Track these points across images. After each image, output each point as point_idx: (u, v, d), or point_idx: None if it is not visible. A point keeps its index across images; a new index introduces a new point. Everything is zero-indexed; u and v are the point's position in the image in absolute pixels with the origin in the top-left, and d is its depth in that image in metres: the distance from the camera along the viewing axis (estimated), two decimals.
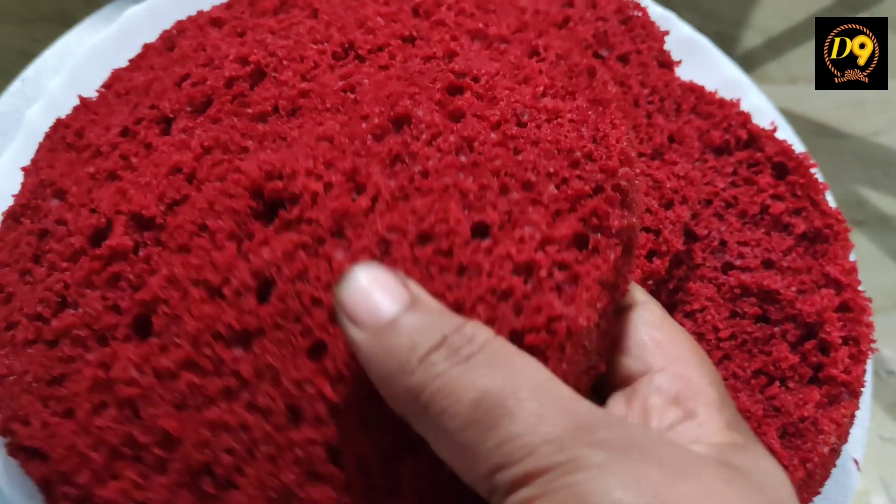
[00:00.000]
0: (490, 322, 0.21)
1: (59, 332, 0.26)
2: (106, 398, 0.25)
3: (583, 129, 0.23)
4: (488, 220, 0.22)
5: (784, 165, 0.37)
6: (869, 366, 0.34)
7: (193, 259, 0.25)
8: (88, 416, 0.25)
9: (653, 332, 0.25)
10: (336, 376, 0.22)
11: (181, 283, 0.24)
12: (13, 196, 0.32)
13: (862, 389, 0.32)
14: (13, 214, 0.31)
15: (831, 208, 0.35)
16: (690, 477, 0.18)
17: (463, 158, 0.23)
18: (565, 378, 0.21)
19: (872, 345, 0.33)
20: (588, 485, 0.17)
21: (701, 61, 0.43)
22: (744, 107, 0.39)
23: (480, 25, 0.27)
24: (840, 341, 0.32)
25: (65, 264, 0.27)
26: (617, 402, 0.24)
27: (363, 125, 0.25)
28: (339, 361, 0.22)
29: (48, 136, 0.34)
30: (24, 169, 0.33)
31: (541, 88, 0.24)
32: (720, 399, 0.23)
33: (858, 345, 0.32)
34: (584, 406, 0.19)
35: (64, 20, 0.63)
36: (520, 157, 0.23)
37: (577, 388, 0.22)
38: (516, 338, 0.21)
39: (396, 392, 0.20)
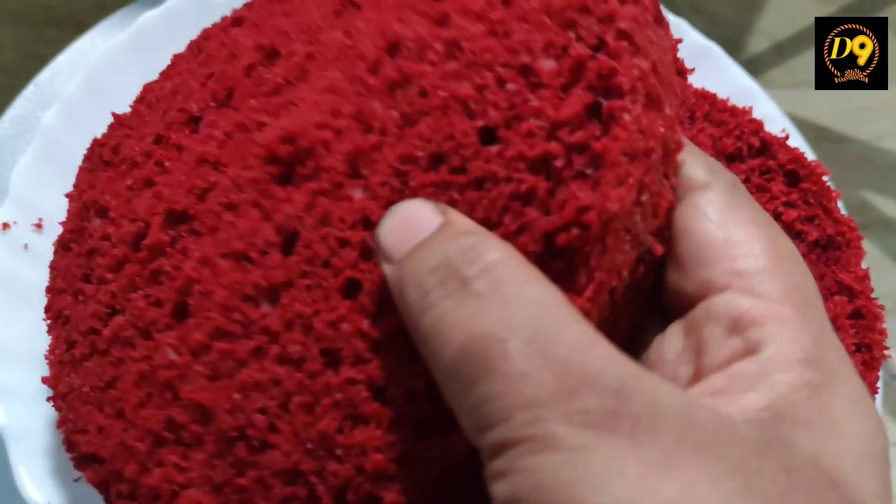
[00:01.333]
0: (521, 232, 0.19)
1: (110, 339, 0.26)
2: (151, 389, 0.25)
3: None
4: (492, 123, 0.20)
5: (796, 173, 0.37)
6: None
7: (222, 235, 0.25)
8: (135, 410, 0.25)
9: (711, 232, 0.19)
10: (374, 311, 0.21)
11: (211, 261, 0.24)
12: (60, 224, 0.32)
13: (875, 396, 0.32)
14: (63, 243, 0.32)
15: (843, 216, 0.36)
16: (686, 469, 0.15)
17: (454, 64, 0.21)
18: (617, 270, 0.19)
19: (885, 351, 0.33)
20: (550, 472, 0.15)
21: (712, 69, 0.43)
22: (755, 115, 0.40)
23: None
24: (853, 348, 0.33)
25: (111, 276, 0.28)
26: (673, 336, 0.20)
27: (360, 64, 0.24)
28: (376, 297, 0.21)
29: (86, 158, 0.34)
30: (67, 195, 0.34)
31: None
32: (799, 318, 0.18)
33: (871, 351, 0.33)
34: (588, 358, 0.16)
35: (75, 24, 0.64)
36: (509, 41, 0.21)
37: (632, 279, 0.20)
38: (550, 242, 0.19)
39: (409, 329, 0.18)
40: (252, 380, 0.23)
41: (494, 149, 0.20)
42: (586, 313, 0.19)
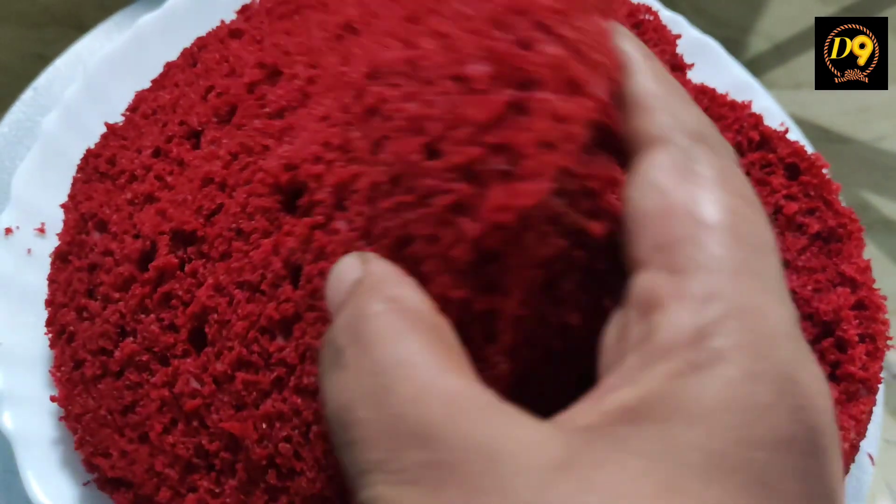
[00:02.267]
0: (457, 244, 0.19)
1: (123, 361, 0.27)
2: (175, 415, 0.26)
3: None
4: (433, 137, 0.20)
5: (796, 166, 0.37)
6: None
7: (234, 263, 0.25)
8: (160, 436, 0.26)
9: (650, 200, 0.17)
10: None
11: (227, 289, 0.25)
12: (57, 235, 0.32)
13: (879, 386, 0.33)
14: (60, 255, 0.32)
15: (844, 208, 0.36)
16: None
17: (412, 85, 0.21)
18: (546, 264, 0.18)
19: (889, 342, 0.33)
20: None
21: (710, 64, 0.43)
22: (754, 109, 0.40)
23: None
24: (857, 339, 0.33)
25: (117, 294, 0.28)
26: (611, 329, 0.18)
27: (350, 92, 0.24)
28: None
29: (80, 169, 0.34)
30: (63, 206, 0.34)
31: None
32: (706, 292, 0.15)
33: (875, 342, 0.33)
34: (420, 409, 0.15)
35: (76, 24, 0.64)
36: (453, 53, 0.20)
37: (572, 267, 0.19)
38: (479, 249, 0.18)
39: None
40: (275, 410, 0.24)
41: (436, 163, 0.20)
42: (519, 317, 0.18)
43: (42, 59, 0.45)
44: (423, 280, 0.19)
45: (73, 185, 0.34)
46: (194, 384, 0.25)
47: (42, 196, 0.36)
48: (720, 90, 0.40)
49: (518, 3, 0.19)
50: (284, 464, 0.24)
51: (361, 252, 0.20)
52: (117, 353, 0.27)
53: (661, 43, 0.39)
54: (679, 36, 0.41)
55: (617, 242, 0.18)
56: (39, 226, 0.36)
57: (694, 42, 0.44)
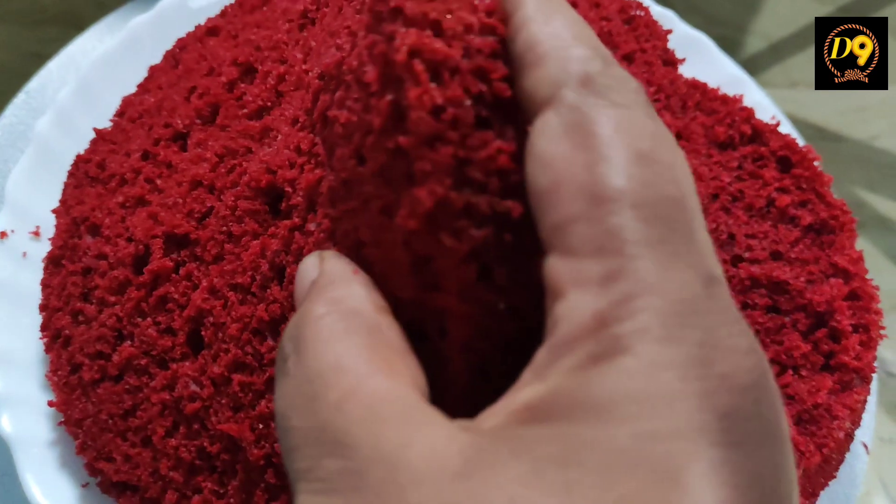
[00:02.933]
0: (391, 246, 0.18)
1: (121, 365, 0.27)
2: (176, 418, 0.26)
3: None
4: (357, 144, 0.19)
5: (788, 159, 0.38)
6: None
7: (227, 266, 0.26)
8: (163, 440, 0.26)
9: (538, 175, 0.15)
10: None
11: (221, 292, 0.25)
12: (49, 240, 0.32)
13: (873, 375, 0.33)
14: (53, 259, 0.32)
15: (836, 199, 0.36)
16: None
17: (341, 91, 0.20)
18: (470, 258, 0.17)
19: (882, 331, 0.34)
20: None
21: (702, 59, 0.44)
22: (745, 103, 0.40)
23: None
24: (850, 329, 0.33)
25: (113, 298, 0.28)
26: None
27: (309, 96, 0.25)
28: None
29: (71, 174, 0.34)
30: (54, 211, 0.34)
31: None
32: (605, 271, 0.14)
33: (868, 332, 0.33)
34: (341, 417, 0.15)
35: (74, 22, 0.64)
36: (356, 57, 0.19)
37: (503, 252, 0.17)
38: (409, 249, 0.17)
39: None
40: (270, 410, 0.24)
41: (364, 169, 0.19)
42: (463, 311, 0.18)
43: (40, 58, 0.45)
44: (378, 280, 0.19)
45: (64, 190, 0.34)
46: (193, 387, 0.25)
47: (36, 199, 0.36)
48: (712, 84, 0.40)
49: None
50: (280, 464, 0.24)
51: (321, 251, 0.20)
52: (115, 357, 0.27)
53: (652, 38, 0.40)
54: (670, 31, 0.41)
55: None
56: (34, 229, 0.36)
57: (685, 37, 0.44)
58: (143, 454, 0.26)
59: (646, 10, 0.41)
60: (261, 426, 0.24)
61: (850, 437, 0.33)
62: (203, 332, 0.26)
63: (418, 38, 0.16)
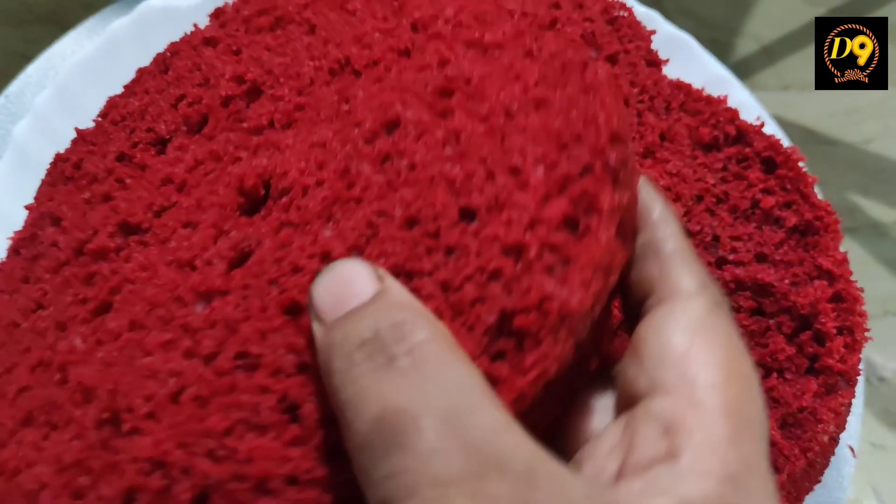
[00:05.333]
0: (479, 301, 0.20)
1: (26, 329, 0.26)
2: (43, 373, 0.24)
3: (571, 113, 0.23)
4: (475, 205, 0.22)
5: (773, 160, 0.37)
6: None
7: (172, 244, 0.25)
8: (20, 391, 0.24)
9: (678, 339, 0.20)
10: (310, 336, 0.21)
11: (153, 266, 0.25)
12: (14, 232, 0.32)
13: (858, 378, 0.33)
14: (14, 248, 0.32)
15: (820, 201, 0.36)
16: None
17: (449, 150, 0.23)
18: (559, 364, 0.20)
19: (867, 333, 0.33)
20: None
21: (686, 59, 0.43)
22: (730, 103, 0.40)
23: (476, 35, 0.27)
24: (835, 331, 0.33)
25: (48, 276, 0.28)
26: (613, 430, 0.20)
27: (356, 131, 0.25)
28: None
29: (48, 173, 0.34)
30: (27, 207, 0.33)
31: (531, 82, 0.24)
32: (730, 436, 0.18)
33: (853, 334, 0.33)
34: (499, 443, 0.16)
35: (59, 22, 0.63)
36: (507, 144, 0.23)
37: (564, 385, 0.21)
38: (506, 319, 0.20)
39: (329, 393, 0.18)
40: (148, 368, 0.22)
41: (472, 226, 0.21)
42: (525, 394, 0.20)
43: (25, 59, 0.44)
44: None
45: (39, 187, 0.34)
46: (77, 343, 0.24)
47: (14, 204, 0.36)
48: (696, 85, 0.40)
49: (577, 132, 0.22)
50: (130, 420, 0.22)
51: (371, 264, 0.20)
52: (25, 324, 0.27)
53: (635, 39, 0.39)
54: (654, 32, 0.40)
55: None
56: (12, 234, 0.35)
57: (669, 37, 0.44)
58: None
59: (629, 10, 0.41)
60: (127, 380, 0.22)
61: (834, 440, 0.33)
62: (115, 299, 0.25)
63: (623, 201, 0.22)
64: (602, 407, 0.22)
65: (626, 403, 0.20)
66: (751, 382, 0.20)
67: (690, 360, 0.19)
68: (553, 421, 0.23)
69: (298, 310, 0.22)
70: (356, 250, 0.22)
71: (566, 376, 0.20)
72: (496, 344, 0.20)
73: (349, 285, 0.19)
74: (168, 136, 0.30)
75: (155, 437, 0.21)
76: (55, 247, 0.29)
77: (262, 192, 0.25)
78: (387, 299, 0.19)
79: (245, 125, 0.29)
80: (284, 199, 0.24)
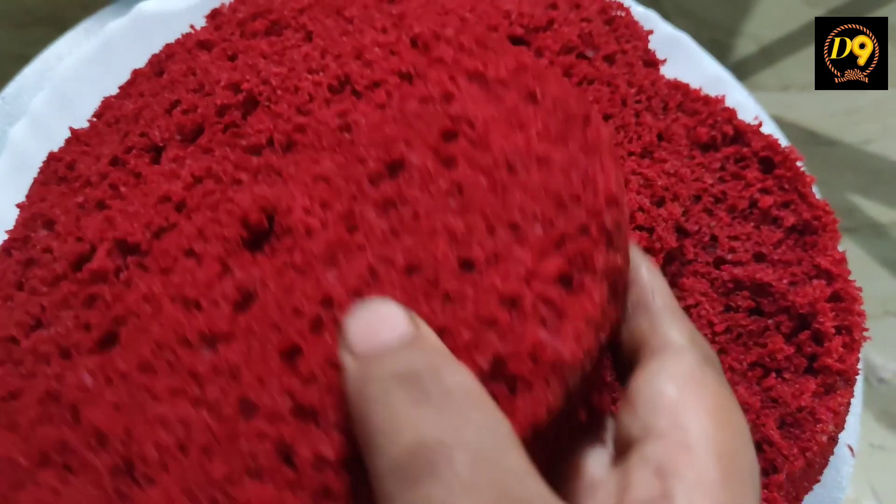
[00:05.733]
0: (473, 346, 0.21)
1: (27, 350, 0.26)
2: (53, 408, 0.24)
3: (572, 174, 0.23)
4: (474, 256, 0.23)
5: (770, 160, 0.37)
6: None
7: (175, 278, 0.25)
8: (32, 426, 0.24)
9: (670, 388, 0.21)
10: (308, 379, 0.22)
11: (157, 300, 0.24)
12: (6, 232, 0.32)
13: (856, 377, 0.33)
14: (5, 249, 0.31)
15: (819, 200, 0.36)
16: None
17: (452, 202, 0.24)
18: (549, 412, 0.21)
19: (865, 333, 0.33)
20: None
21: (684, 59, 0.43)
22: (728, 104, 0.40)
23: (479, 66, 0.27)
24: (833, 331, 0.33)
25: (45, 288, 0.28)
26: (610, 477, 0.21)
27: (360, 168, 0.25)
28: (314, 367, 0.22)
29: (41, 171, 0.34)
30: (18, 205, 0.33)
31: (534, 134, 0.25)
32: (721, 480, 0.19)
33: (851, 333, 0.33)
34: (524, 486, 0.17)
35: (58, 24, 0.63)
36: (508, 200, 0.23)
37: (554, 435, 0.22)
38: (500, 364, 0.21)
39: (353, 418, 0.19)
40: (158, 416, 0.23)
41: (470, 275, 0.22)
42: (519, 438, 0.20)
43: (23, 60, 0.44)
44: None
45: (32, 185, 0.34)
46: (87, 380, 0.24)
47: (10, 206, 0.36)
48: (693, 85, 0.40)
49: (576, 193, 0.23)
50: (142, 469, 0.22)
51: (408, 309, 0.21)
52: (25, 343, 0.26)
53: (633, 39, 0.39)
54: (651, 32, 0.40)
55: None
56: (6, 236, 0.35)
57: (666, 37, 0.44)
58: (6, 438, 0.24)
59: (627, 10, 0.41)
60: (139, 428, 0.23)
61: (833, 440, 0.33)
62: (122, 331, 0.25)
63: (618, 263, 0.22)
64: (597, 464, 0.23)
65: (622, 451, 0.21)
66: (741, 431, 0.21)
67: (682, 407, 0.21)
68: (543, 474, 0.23)
69: (296, 352, 0.22)
70: (357, 295, 0.22)
71: (556, 428, 0.21)
72: (488, 388, 0.20)
73: (384, 322, 0.20)
74: (162, 144, 0.30)
75: (164, 486, 0.22)
76: (49, 253, 0.29)
77: (266, 224, 0.25)
78: (424, 342, 0.20)
79: (244, 142, 0.29)
80: (288, 241, 0.25)
